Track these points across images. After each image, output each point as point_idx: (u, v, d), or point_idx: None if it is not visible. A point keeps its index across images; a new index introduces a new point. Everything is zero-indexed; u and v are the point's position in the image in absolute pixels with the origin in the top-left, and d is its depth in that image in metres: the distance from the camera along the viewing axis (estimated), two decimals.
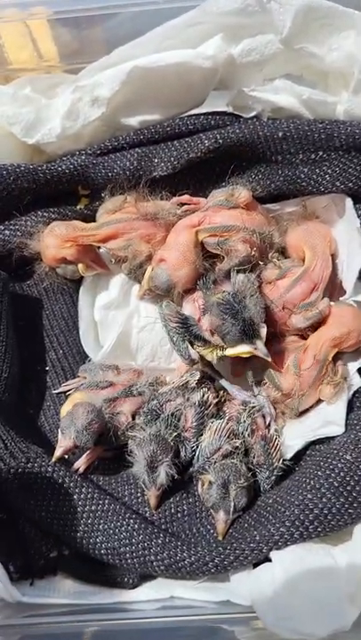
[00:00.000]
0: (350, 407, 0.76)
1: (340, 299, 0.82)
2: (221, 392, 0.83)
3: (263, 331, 0.73)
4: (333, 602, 0.60)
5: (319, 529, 0.66)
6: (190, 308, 0.81)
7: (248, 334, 0.72)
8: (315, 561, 0.64)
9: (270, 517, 0.68)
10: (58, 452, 0.71)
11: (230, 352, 0.75)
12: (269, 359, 0.74)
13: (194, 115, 0.82)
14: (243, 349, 0.73)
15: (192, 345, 0.80)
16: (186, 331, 0.79)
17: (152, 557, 0.67)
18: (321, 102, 0.78)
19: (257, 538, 0.66)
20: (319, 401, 0.79)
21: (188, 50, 0.76)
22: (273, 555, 0.64)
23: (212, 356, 0.79)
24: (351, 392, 0.77)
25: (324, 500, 0.66)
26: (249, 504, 0.72)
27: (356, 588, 0.62)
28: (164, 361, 0.88)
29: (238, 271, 0.78)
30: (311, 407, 0.79)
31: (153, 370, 0.86)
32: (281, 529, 0.65)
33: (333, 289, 0.84)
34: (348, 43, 0.74)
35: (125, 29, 0.79)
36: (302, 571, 0.63)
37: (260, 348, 0.73)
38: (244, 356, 0.74)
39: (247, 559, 0.66)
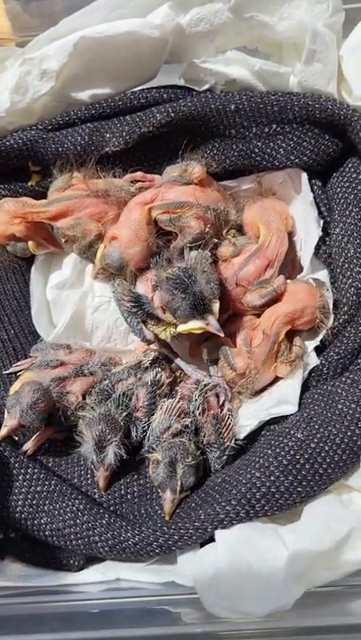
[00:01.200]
0: (306, 386, 0.75)
1: (298, 276, 0.81)
2: (177, 373, 0.82)
3: (216, 306, 0.71)
4: (277, 581, 0.59)
5: (266, 507, 0.64)
6: (144, 287, 0.80)
7: (199, 309, 0.70)
8: (261, 540, 0.62)
9: (217, 496, 0.66)
10: (3, 432, 0.70)
11: (182, 328, 0.72)
12: (222, 334, 0.72)
13: (146, 88, 0.79)
14: (194, 325, 0.71)
15: (145, 324, 0.78)
16: (139, 309, 0.77)
17: (96, 538, 0.66)
18: (274, 73, 0.76)
19: (202, 517, 0.64)
20: (274, 381, 0.77)
21: (135, 19, 0.73)
22: (217, 534, 0.63)
23: (165, 334, 0.77)
24: (307, 371, 0.76)
25: (272, 478, 0.64)
26: (198, 484, 0.70)
27: (303, 568, 0.60)
28: (121, 342, 0.86)
29: (192, 248, 0.76)
30: (266, 387, 0.77)
31: (109, 351, 0.85)
32: (227, 507, 0.64)
33: (291, 267, 0.83)
34: (299, 12, 0.72)
35: None
36: (247, 550, 0.61)
37: (211, 324, 0.71)
38: (197, 332, 0.72)
39: (192, 539, 0.64)
